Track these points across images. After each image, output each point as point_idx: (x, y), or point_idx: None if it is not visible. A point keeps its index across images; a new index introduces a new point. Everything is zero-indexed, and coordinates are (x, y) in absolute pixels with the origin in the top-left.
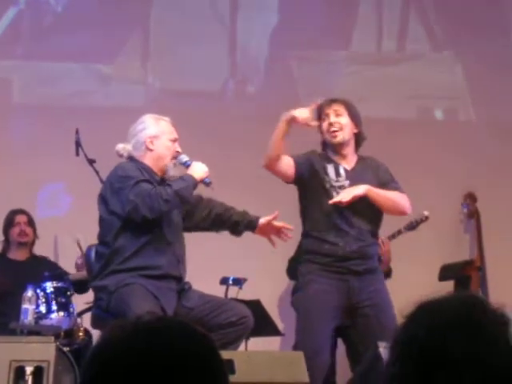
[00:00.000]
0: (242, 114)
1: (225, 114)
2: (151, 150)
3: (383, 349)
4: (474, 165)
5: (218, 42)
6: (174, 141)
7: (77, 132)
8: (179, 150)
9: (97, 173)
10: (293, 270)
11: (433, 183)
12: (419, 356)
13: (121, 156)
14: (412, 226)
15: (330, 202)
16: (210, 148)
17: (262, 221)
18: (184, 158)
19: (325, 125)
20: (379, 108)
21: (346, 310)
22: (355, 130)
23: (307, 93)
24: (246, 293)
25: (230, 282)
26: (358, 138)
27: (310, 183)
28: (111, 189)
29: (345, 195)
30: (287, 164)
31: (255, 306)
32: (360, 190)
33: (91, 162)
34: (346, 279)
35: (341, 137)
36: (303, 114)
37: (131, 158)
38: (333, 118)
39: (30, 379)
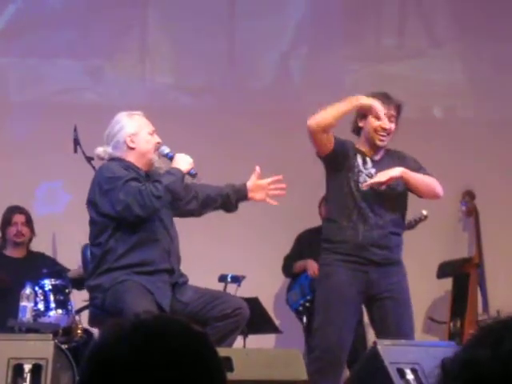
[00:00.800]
0: (242, 111)
1: (224, 110)
2: (133, 149)
3: (381, 346)
4: (473, 163)
5: (218, 38)
6: (153, 133)
7: (75, 129)
8: (159, 140)
9: (95, 170)
10: (288, 267)
11: None
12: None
13: (102, 159)
14: (411, 225)
15: (366, 184)
16: (207, 144)
17: (250, 183)
18: (165, 149)
19: (376, 124)
20: None
21: (365, 300)
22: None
23: (307, 90)
24: (245, 290)
25: (229, 280)
26: None
27: (341, 163)
28: (100, 191)
29: (381, 176)
30: (329, 138)
31: (253, 304)
32: (396, 171)
33: (89, 159)
34: (365, 270)
35: (386, 142)
36: (380, 108)
37: (113, 159)
38: (387, 124)
39: (28, 377)
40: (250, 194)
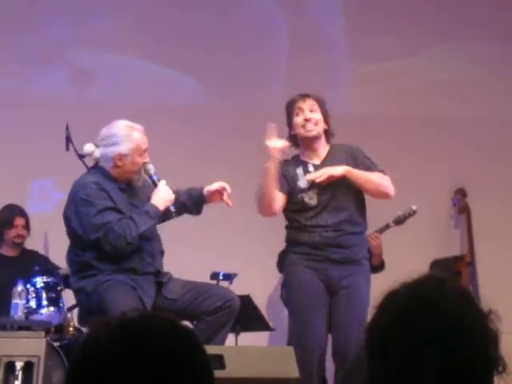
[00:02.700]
0: (248, 109)
1: (227, 108)
2: (119, 167)
3: None
4: (466, 161)
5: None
6: (143, 153)
7: (67, 128)
8: (147, 160)
9: (87, 167)
10: (283, 263)
11: (423, 179)
12: (382, 341)
13: (88, 155)
14: (400, 220)
15: (308, 177)
16: (208, 143)
17: (207, 190)
18: (151, 169)
19: (299, 120)
20: (367, 104)
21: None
22: (325, 127)
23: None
24: (237, 288)
25: (221, 277)
26: (328, 134)
27: (288, 192)
28: (75, 210)
29: (321, 174)
30: (282, 199)
31: (245, 302)
32: (338, 170)
33: (81, 157)
34: (324, 267)
35: (315, 131)
36: (279, 143)
37: (96, 164)
38: (308, 114)
39: (20, 374)
40: (209, 199)
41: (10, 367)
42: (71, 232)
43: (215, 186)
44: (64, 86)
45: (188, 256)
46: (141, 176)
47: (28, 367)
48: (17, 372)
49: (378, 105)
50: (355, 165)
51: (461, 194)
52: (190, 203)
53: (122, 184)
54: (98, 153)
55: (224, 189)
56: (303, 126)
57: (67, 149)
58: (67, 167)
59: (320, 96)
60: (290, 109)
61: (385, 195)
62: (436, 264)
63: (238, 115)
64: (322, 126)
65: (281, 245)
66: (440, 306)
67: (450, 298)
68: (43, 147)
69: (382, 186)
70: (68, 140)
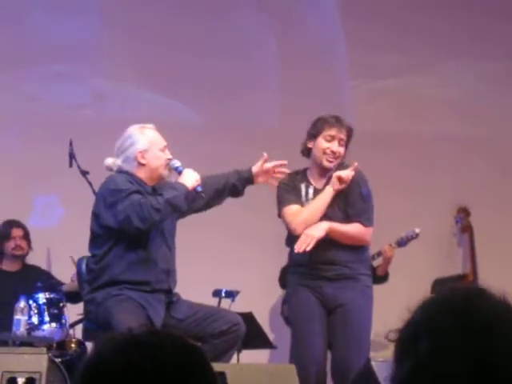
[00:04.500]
0: (243, 129)
1: (223, 129)
2: (143, 165)
3: (375, 363)
4: (467, 179)
5: (217, 56)
6: (164, 149)
7: (70, 144)
8: (170, 156)
9: (90, 184)
10: (285, 279)
11: (426, 197)
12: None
13: (110, 170)
14: (402, 243)
15: (296, 250)
16: (204, 163)
17: (255, 169)
18: (176, 163)
19: (325, 147)
20: (368, 122)
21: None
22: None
23: (305, 106)
24: (239, 305)
25: (223, 295)
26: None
27: None
28: (104, 203)
29: (306, 238)
30: None
31: (248, 319)
32: (321, 231)
33: (84, 173)
34: (319, 285)
35: (333, 165)
36: (347, 174)
37: (121, 172)
38: (336, 147)
39: None
40: (255, 182)
41: (11, 383)
42: (99, 230)
43: (270, 164)
44: (69, 102)
45: (191, 273)
46: (171, 172)
47: (30, 383)
48: None
49: (381, 122)
50: (344, 197)
51: (464, 212)
52: (240, 184)
53: (149, 188)
54: (119, 161)
55: (278, 165)
56: (325, 154)
57: (70, 165)
58: (70, 183)
59: (351, 126)
60: (321, 128)
61: (359, 243)
62: (439, 282)
63: (238, 137)
64: (341, 159)
65: (283, 262)
66: (470, 313)
67: (481, 305)
68: (46, 162)
69: (356, 238)
70: (71, 156)
